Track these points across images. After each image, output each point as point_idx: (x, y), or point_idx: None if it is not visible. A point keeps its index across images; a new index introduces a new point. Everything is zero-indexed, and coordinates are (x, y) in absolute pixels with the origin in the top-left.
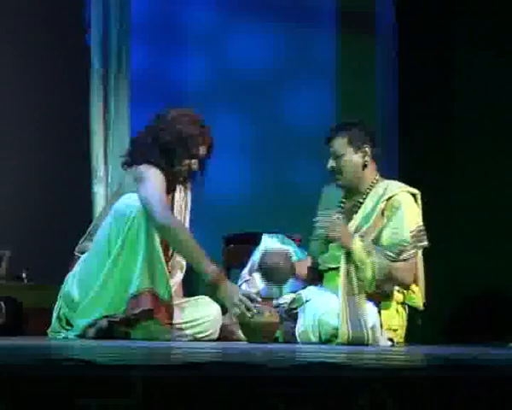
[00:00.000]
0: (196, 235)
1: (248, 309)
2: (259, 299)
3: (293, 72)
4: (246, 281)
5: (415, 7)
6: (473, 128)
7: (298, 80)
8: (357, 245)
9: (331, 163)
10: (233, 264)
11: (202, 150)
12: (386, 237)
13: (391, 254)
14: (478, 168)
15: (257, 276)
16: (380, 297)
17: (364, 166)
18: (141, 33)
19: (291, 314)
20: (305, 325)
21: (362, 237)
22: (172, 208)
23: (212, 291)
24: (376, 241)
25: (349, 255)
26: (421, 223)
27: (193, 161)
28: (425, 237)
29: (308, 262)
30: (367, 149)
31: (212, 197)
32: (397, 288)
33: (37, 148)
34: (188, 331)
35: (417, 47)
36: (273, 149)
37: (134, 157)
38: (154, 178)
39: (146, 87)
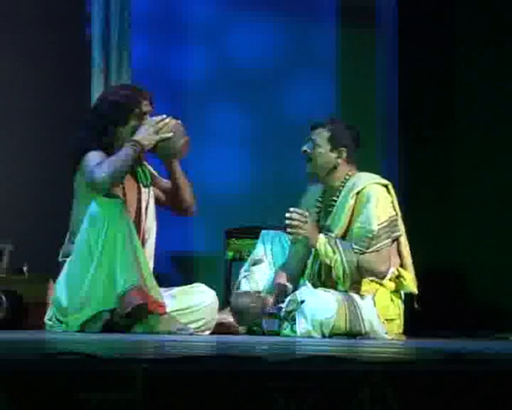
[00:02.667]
0: (197, 228)
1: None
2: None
3: (293, 64)
4: (245, 276)
5: (415, 0)
6: (473, 121)
7: (298, 73)
8: (321, 241)
9: (305, 147)
10: (235, 257)
11: (145, 105)
12: (355, 231)
13: (357, 247)
14: (478, 160)
15: (256, 270)
16: (372, 289)
17: (335, 167)
18: (141, 27)
19: (290, 317)
20: (306, 327)
21: (327, 233)
22: (137, 182)
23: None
24: (347, 235)
25: (317, 255)
26: (394, 213)
27: (144, 120)
28: (397, 228)
29: (281, 277)
30: (343, 151)
31: (213, 189)
32: (388, 276)
33: (38, 143)
34: (183, 319)
35: (418, 40)
36: (273, 142)
37: (76, 152)
38: (90, 159)
39: (147, 81)
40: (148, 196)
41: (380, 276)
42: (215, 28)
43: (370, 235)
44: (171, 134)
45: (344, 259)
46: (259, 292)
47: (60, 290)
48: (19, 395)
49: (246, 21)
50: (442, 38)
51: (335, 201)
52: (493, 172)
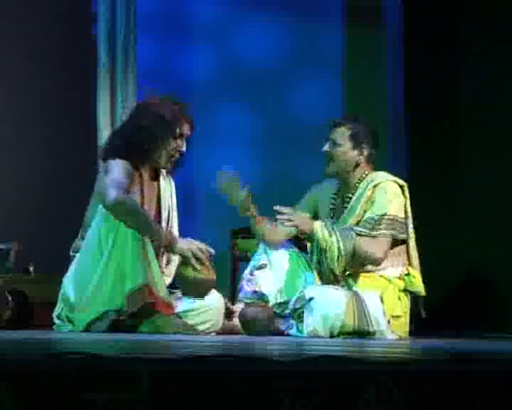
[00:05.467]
0: (203, 227)
1: (197, 259)
2: (212, 251)
3: (299, 64)
4: (248, 280)
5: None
6: (481, 119)
7: (304, 73)
8: (316, 226)
9: (327, 147)
10: (240, 257)
11: (187, 129)
12: (366, 215)
13: (359, 228)
14: (486, 157)
15: (258, 274)
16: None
17: (357, 164)
18: (147, 27)
19: (297, 315)
20: (314, 324)
21: (323, 221)
22: (159, 196)
23: (169, 249)
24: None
25: (317, 244)
26: (403, 216)
27: (179, 141)
28: (403, 230)
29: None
30: (364, 149)
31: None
32: (397, 275)
33: (44, 143)
34: (190, 321)
35: (424, 39)
36: (279, 141)
37: (106, 152)
38: (115, 168)
39: (152, 80)
40: (171, 202)
41: (375, 263)
42: (221, 28)
43: (376, 218)
44: (203, 268)
45: (340, 241)
46: (267, 302)
47: (68, 286)
48: (25, 395)
49: (252, 21)
50: (448, 36)
51: (351, 197)
52: (504, 169)
